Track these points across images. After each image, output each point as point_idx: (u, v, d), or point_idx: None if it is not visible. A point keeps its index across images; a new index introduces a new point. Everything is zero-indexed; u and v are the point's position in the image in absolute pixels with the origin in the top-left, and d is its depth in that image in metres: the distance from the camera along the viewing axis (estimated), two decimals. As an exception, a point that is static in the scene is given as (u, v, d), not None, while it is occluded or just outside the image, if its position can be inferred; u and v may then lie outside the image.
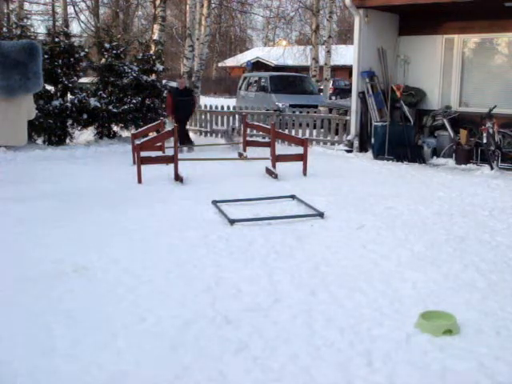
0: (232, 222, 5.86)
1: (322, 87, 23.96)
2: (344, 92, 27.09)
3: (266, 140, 10.86)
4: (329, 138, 12.53)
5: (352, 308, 3.81)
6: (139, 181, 7.94)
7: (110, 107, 12.15)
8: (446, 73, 11.03)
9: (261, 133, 11.86)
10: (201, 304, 3.84)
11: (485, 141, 9.49)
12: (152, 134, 10.08)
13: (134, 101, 12.36)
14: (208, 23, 20.14)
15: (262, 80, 17.81)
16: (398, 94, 10.84)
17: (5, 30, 12.06)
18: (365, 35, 11.02)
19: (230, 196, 6.95)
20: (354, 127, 11.50)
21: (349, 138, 11.71)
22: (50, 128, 11.45)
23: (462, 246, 5.24)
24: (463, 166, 9.82)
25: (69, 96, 11.92)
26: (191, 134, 14.29)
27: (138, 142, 8.66)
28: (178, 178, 8.10)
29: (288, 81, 18.16)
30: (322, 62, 24.33)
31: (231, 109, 14.47)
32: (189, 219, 6.02)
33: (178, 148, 8.21)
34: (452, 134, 10.28)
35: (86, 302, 3.85)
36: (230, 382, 2.91)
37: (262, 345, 3.27)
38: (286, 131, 12.64)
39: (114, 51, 12.50)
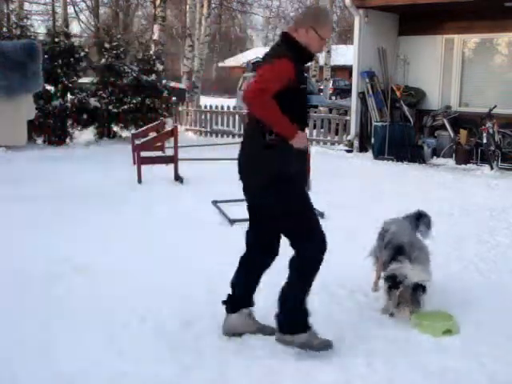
0: (232, 222, 5.86)
1: (321, 87, 23.97)
2: (344, 92, 27.09)
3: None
4: (329, 138, 12.53)
5: (352, 308, 3.81)
6: (139, 181, 7.94)
7: (110, 107, 12.16)
8: (446, 73, 11.03)
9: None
10: (201, 304, 3.83)
11: (485, 141, 9.49)
12: (152, 134, 10.08)
13: (134, 101, 12.35)
14: (208, 23, 20.17)
15: (262, 80, 17.78)
16: (397, 94, 10.84)
17: (5, 29, 12.06)
18: (365, 35, 11.03)
19: (230, 196, 6.94)
20: (353, 127, 11.50)
21: (349, 138, 11.71)
22: (50, 128, 11.45)
23: (462, 245, 5.24)
24: (463, 165, 9.82)
25: (69, 96, 11.92)
26: (191, 134, 14.31)
27: (138, 142, 8.66)
28: (177, 178, 8.09)
29: (288, 81, 18.14)
30: (322, 62, 24.34)
31: (231, 109, 14.47)
32: (189, 219, 6.01)
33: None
34: (452, 134, 10.28)
35: (86, 302, 3.85)
36: (229, 382, 2.91)
37: (262, 345, 3.27)
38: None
39: (114, 51, 12.50)
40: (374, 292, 4.05)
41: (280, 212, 3.11)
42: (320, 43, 3.19)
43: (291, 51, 3.06)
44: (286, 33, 3.20)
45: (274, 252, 3.38)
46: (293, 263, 3.16)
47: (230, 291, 3.43)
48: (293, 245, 3.16)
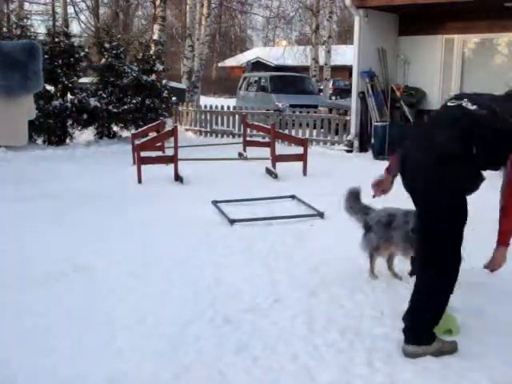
0: (232, 221, 5.86)
1: (321, 87, 23.97)
2: (344, 92, 27.08)
3: (266, 140, 10.86)
4: (329, 138, 12.52)
5: (352, 308, 3.80)
6: (139, 181, 7.94)
7: (110, 107, 12.16)
8: (446, 73, 11.04)
9: (261, 133, 11.86)
10: (201, 304, 3.83)
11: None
12: (152, 134, 10.08)
13: (134, 101, 12.35)
14: (208, 23, 20.19)
15: (262, 80, 17.80)
16: (398, 93, 10.85)
17: (5, 29, 12.06)
18: (365, 35, 11.02)
19: (230, 196, 6.95)
20: (353, 127, 11.50)
21: (349, 138, 11.71)
22: (50, 128, 11.45)
23: (462, 246, 5.22)
24: (463, 165, 9.82)
25: (69, 96, 11.92)
26: (191, 134, 14.34)
27: (137, 142, 8.66)
28: (177, 178, 8.10)
29: (288, 81, 18.15)
30: (322, 62, 24.34)
31: (231, 109, 14.47)
32: (189, 219, 6.01)
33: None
34: (452, 134, 10.28)
35: (86, 302, 3.85)
36: (229, 382, 2.91)
37: (262, 345, 3.27)
38: (286, 131, 12.64)
39: (114, 51, 12.49)
40: (374, 280, 4.21)
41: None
42: None
43: None
44: None
45: None
46: None
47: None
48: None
